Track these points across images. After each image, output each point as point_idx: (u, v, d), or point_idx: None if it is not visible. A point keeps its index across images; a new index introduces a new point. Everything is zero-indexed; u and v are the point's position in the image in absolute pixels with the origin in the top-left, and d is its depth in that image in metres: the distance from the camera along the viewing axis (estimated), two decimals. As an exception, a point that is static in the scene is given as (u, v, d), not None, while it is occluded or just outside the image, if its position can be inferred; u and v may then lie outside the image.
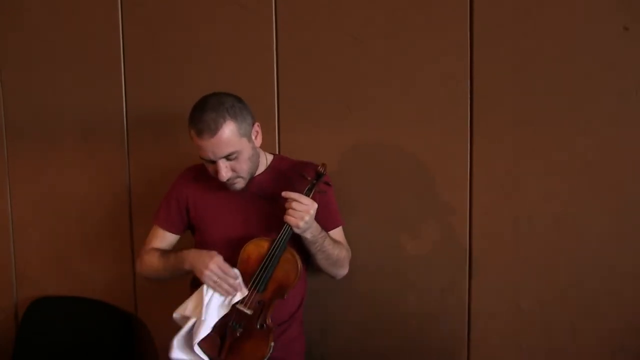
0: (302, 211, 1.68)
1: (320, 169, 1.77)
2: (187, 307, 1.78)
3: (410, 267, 2.09)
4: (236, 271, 1.74)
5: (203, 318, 1.73)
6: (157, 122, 2.30)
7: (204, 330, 1.73)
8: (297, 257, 1.76)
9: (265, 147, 2.17)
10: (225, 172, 1.72)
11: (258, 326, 1.75)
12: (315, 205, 1.71)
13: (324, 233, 1.80)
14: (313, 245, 1.78)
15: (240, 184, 1.78)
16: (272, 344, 1.75)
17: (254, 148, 1.78)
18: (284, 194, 1.70)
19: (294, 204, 1.68)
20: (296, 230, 1.71)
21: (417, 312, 2.10)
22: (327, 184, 1.80)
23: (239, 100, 1.77)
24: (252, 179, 1.83)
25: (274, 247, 1.73)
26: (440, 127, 2.01)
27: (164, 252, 1.89)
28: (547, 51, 1.88)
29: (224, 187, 1.81)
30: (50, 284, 2.53)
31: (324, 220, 1.83)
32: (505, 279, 2.00)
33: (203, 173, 1.85)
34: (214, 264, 1.72)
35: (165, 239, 1.94)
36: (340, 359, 2.19)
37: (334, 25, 2.08)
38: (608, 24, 1.82)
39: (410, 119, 2.03)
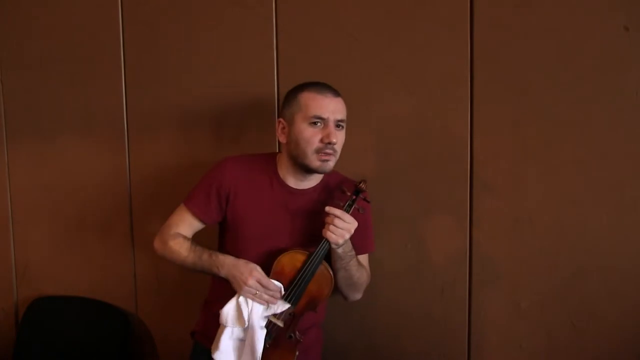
0: (344, 229, 1.67)
1: (362, 186, 1.74)
2: (227, 319, 1.74)
3: (410, 267, 2.09)
4: (278, 284, 1.73)
5: (246, 325, 1.72)
6: (157, 122, 2.30)
7: (258, 342, 1.71)
8: (331, 271, 1.76)
9: (265, 147, 2.18)
10: (335, 134, 1.71)
11: (287, 337, 1.76)
12: (356, 224, 1.70)
13: (353, 252, 1.78)
14: (340, 261, 1.76)
15: (332, 162, 1.74)
16: (297, 353, 1.77)
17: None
18: (327, 209, 1.68)
19: (337, 221, 1.67)
20: (334, 247, 1.70)
21: (417, 312, 2.10)
22: (366, 200, 1.77)
23: None
24: (302, 191, 1.81)
25: (310, 262, 1.71)
26: (440, 127, 2.01)
27: (194, 245, 1.82)
28: (547, 51, 1.88)
29: (273, 187, 1.80)
30: (50, 284, 2.52)
31: (359, 241, 1.81)
32: (505, 279, 2.00)
33: (248, 166, 1.83)
34: (253, 280, 1.70)
35: (193, 226, 1.86)
36: (340, 359, 2.19)
37: (334, 25, 2.08)
38: (608, 24, 1.82)
39: (410, 118, 2.03)
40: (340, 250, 1.72)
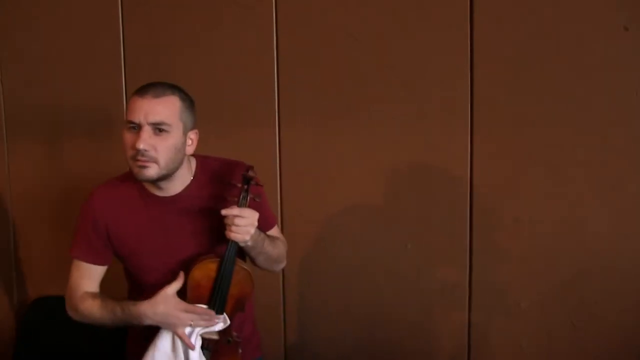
0: (247, 225, 1.56)
1: (250, 174, 1.62)
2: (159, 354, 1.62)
3: (410, 267, 2.09)
4: (203, 306, 1.62)
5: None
6: (157, 122, 2.30)
7: None
8: (247, 267, 1.67)
9: (265, 147, 2.18)
10: (146, 139, 1.54)
11: (226, 342, 1.68)
12: (257, 215, 1.58)
13: (262, 235, 1.68)
14: (254, 250, 1.66)
15: (152, 170, 1.57)
16: (240, 351, 1.70)
17: (183, 146, 1.62)
18: (223, 212, 1.55)
19: (237, 220, 1.55)
20: (242, 245, 1.60)
21: (417, 312, 2.10)
22: (258, 184, 1.64)
23: (194, 103, 1.69)
24: (178, 195, 1.67)
25: (224, 268, 1.61)
26: (440, 127, 2.01)
27: (104, 302, 1.67)
28: (547, 51, 1.88)
29: (146, 205, 1.67)
30: (50, 284, 2.52)
31: (261, 222, 1.67)
32: (505, 279, 2.00)
33: (117, 191, 1.70)
34: (182, 314, 1.59)
35: (94, 274, 1.71)
36: (340, 359, 2.19)
37: (334, 25, 2.08)
38: (608, 24, 1.82)
39: (410, 119, 2.03)
40: (250, 243, 1.62)
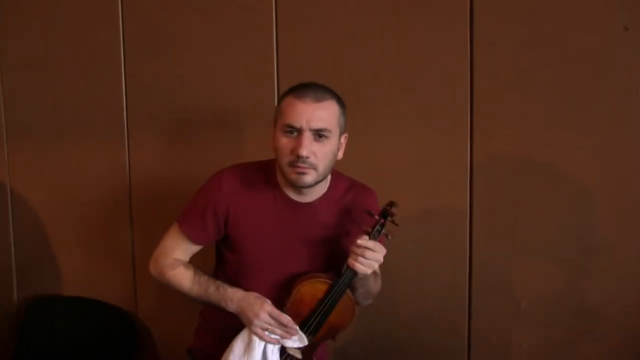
0: (373, 259, 1.52)
1: (392, 210, 1.57)
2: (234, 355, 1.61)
3: (410, 267, 2.09)
4: (289, 319, 1.59)
5: None
6: (157, 122, 2.30)
7: None
8: (354, 299, 1.65)
9: (265, 146, 2.16)
10: (308, 146, 1.50)
11: None
12: (384, 252, 1.54)
13: (374, 274, 1.66)
14: (361, 281, 1.62)
15: (310, 177, 1.55)
16: None
17: (337, 150, 1.61)
18: (359, 241, 1.51)
19: (367, 252, 1.51)
20: (360, 276, 1.56)
21: (417, 312, 2.10)
22: (394, 223, 1.58)
23: (345, 106, 1.65)
24: (311, 204, 1.65)
25: (333, 292, 1.58)
26: (440, 127, 2.01)
27: (198, 276, 1.67)
28: (547, 51, 1.88)
29: (277, 203, 1.63)
30: (50, 284, 2.52)
31: None
32: (505, 279, 2.00)
33: (248, 180, 1.65)
34: (264, 313, 1.57)
35: (190, 250, 1.71)
36: (340, 359, 2.19)
37: (334, 25, 2.08)
38: (608, 24, 1.82)
39: (410, 119, 2.03)
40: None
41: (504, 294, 2.01)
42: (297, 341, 1.60)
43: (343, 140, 1.64)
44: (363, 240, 1.52)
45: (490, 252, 2.01)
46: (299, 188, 1.59)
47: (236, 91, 2.20)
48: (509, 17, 1.91)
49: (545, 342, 1.99)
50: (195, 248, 1.71)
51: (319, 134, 1.54)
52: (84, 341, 2.41)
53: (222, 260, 1.76)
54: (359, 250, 1.52)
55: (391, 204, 1.59)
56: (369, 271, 1.53)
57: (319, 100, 1.54)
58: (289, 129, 1.54)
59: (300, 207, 1.65)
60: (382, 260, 1.53)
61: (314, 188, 1.62)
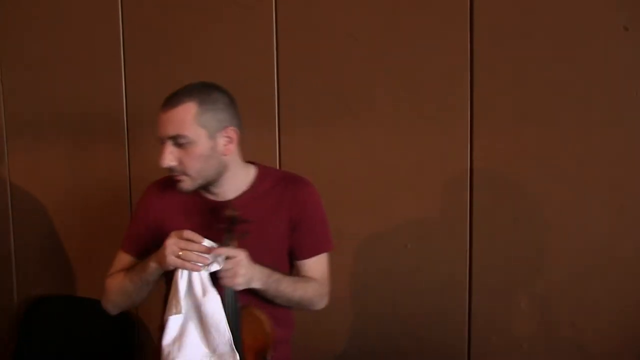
0: (232, 268, 1.44)
1: (230, 213, 1.49)
2: (170, 308, 1.50)
3: (410, 267, 2.09)
4: (205, 240, 1.46)
5: (183, 311, 1.48)
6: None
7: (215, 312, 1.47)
8: (259, 312, 1.53)
9: (265, 147, 2.17)
10: (167, 156, 1.49)
11: None
12: (242, 254, 1.45)
13: (277, 276, 1.55)
14: (266, 292, 1.54)
15: (186, 184, 1.53)
16: None
17: (213, 151, 1.52)
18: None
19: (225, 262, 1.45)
20: (238, 288, 1.47)
21: (417, 312, 2.10)
22: (244, 220, 1.49)
23: (229, 99, 1.58)
24: (230, 202, 1.59)
25: (227, 314, 1.47)
26: (440, 127, 2.01)
27: (126, 270, 1.63)
28: (547, 51, 1.88)
29: (198, 206, 1.61)
30: (50, 284, 2.53)
31: (306, 241, 1.63)
32: (505, 279, 2.00)
33: (170, 188, 1.62)
34: (170, 240, 1.46)
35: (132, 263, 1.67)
36: (340, 358, 2.19)
37: (334, 25, 2.08)
38: (608, 24, 1.82)
39: (410, 118, 2.03)
40: (257, 285, 1.50)
41: (504, 294, 2.01)
42: (215, 264, 1.47)
43: (230, 134, 1.55)
44: (215, 251, 1.44)
45: (490, 252, 2.01)
46: (183, 193, 1.56)
47: (236, 91, 2.20)
48: (509, 17, 1.91)
49: (545, 342, 1.99)
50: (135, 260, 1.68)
51: (176, 143, 1.50)
52: (84, 341, 2.41)
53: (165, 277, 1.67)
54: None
55: (228, 207, 1.51)
56: (238, 280, 1.44)
57: (173, 106, 1.50)
58: (160, 141, 1.52)
59: (220, 206, 1.59)
60: (244, 262, 1.45)
61: (221, 186, 1.59)
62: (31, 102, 2.47)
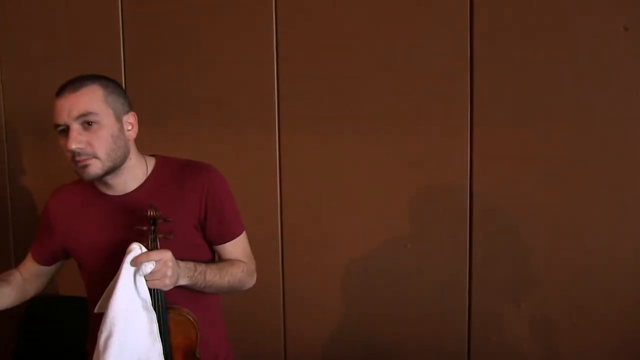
0: (159, 270, 1.40)
1: (151, 213, 1.44)
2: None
3: (410, 267, 2.09)
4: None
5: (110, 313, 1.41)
6: (157, 121, 2.30)
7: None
8: (185, 311, 1.50)
9: (265, 148, 2.17)
10: (75, 137, 1.44)
11: None
12: (168, 254, 1.41)
13: (200, 267, 1.52)
14: (195, 286, 1.52)
15: (94, 167, 1.47)
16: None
17: (121, 132, 1.51)
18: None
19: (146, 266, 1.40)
20: (166, 289, 1.43)
21: (417, 312, 2.10)
22: (166, 220, 1.46)
23: (120, 86, 1.60)
24: (129, 194, 1.56)
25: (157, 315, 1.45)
26: (440, 127, 2.01)
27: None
28: (547, 51, 1.88)
29: (96, 204, 1.57)
30: (50, 284, 2.52)
31: (216, 230, 1.59)
32: (505, 279, 2.00)
33: (72, 187, 1.64)
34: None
35: (34, 270, 1.71)
36: (340, 359, 2.19)
37: (334, 26, 2.08)
38: (608, 24, 1.82)
39: (410, 118, 2.03)
40: (184, 282, 1.48)
41: (504, 294, 2.01)
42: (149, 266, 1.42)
43: (132, 119, 1.57)
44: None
45: (490, 253, 2.01)
46: (91, 181, 1.53)
47: (236, 91, 2.20)
48: (509, 17, 1.91)
49: (545, 342, 1.99)
50: (38, 268, 1.72)
51: (86, 122, 1.47)
52: (84, 341, 2.41)
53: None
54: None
55: (148, 208, 1.45)
56: (166, 281, 1.41)
57: (76, 89, 1.49)
58: (59, 129, 1.49)
59: (115, 200, 1.57)
60: (170, 262, 1.41)
61: (121, 176, 1.55)
62: (31, 102, 2.47)
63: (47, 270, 1.74)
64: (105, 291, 1.46)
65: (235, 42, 2.19)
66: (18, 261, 2.58)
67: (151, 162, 1.62)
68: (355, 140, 2.09)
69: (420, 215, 2.06)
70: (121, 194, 1.58)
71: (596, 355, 1.94)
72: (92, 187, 1.60)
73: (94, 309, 1.55)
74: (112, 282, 1.44)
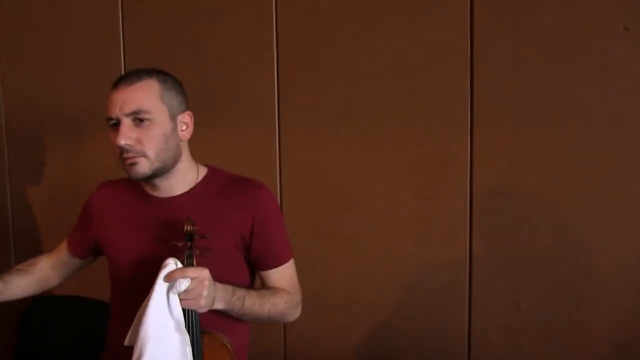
0: (195, 288, 1.30)
1: (189, 228, 1.36)
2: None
3: (410, 267, 2.09)
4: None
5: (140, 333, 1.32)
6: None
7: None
8: (221, 337, 1.41)
9: (265, 147, 2.17)
10: (125, 133, 1.38)
11: None
12: (206, 272, 1.31)
13: (240, 292, 1.42)
14: (232, 312, 1.42)
15: (142, 165, 1.40)
16: None
17: (174, 132, 1.44)
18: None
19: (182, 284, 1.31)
20: (201, 311, 1.34)
21: (417, 312, 2.10)
22: (204, 236, 1.37)
23: (179, 83, 1.51)
24: (174, 198, 1.48)
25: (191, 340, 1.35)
26: (440, 127, 2.01)
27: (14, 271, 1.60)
28: (547, 51, 1.88)
29: (139, 203, 1.50)
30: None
31: (263, 256, 1.50)
32: (505, 279, 2.00)
33: (117, 190, 1.57)
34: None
35: (62, 259, 1.66)
36: (340, 359, 2.19)
37: (334, 25, 2.08)
38: (608, 24, 1.82)
39: (411, 118, 2.03)
40: (220, 306, 1.38)
41: (504, 294, 2.01)
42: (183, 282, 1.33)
43: (187, 119, 1.48)
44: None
45: (490, 252, 2.01)
46: (140, 180, 1.45)
47: (236, 91, 2.20)
48: (509, 17, 1.91)
49: (545, 342, 1.99)
50: (67, 256, 1.66)
51: (138, 118, 1.39)
52: (84, 341, 2.40)
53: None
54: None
55: (186, 222, 1.37)
56: (201, 302, 1.31)
57: (132, 82, 1.40)
58: (111, 123, 1.43)
59: (159, 202, 1.49)
60: (206, 281, 1.31)
61: (171, 179, 1.47)
62: (31, 102, 2.47)
63: (77, 262, 1.68)
64: (136, 315, 1.35)
65: (235, 42, 2.19)
66: (18, 262, 2.59)
67: (203, 171, 1.54)
68: (355, 140, 2.09)
69: (420, 215, 2.06)
70: (165, 196, 1.49)
71: (596, 355, 1.95)
72: (138, 187, 1.51)
73: (116, 312, 1.52)
74: (144, 303, 1.34)
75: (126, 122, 1.39)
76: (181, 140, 1.47)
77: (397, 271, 2.10)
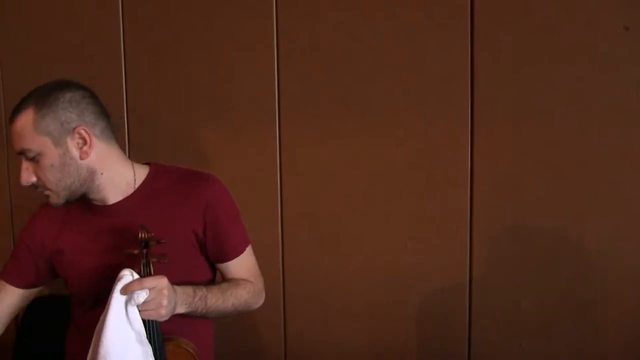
0: (154, 299, 1.27)
1: (143, 235, 1.31)
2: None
3: (410, 267, 2.08)
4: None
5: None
6: (157, 122, 2.30)
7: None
8: (184, 342, 1.39)
9: (265, 146, 2.17)
10: (24, 173, 1.37)
11: None
12: (164, 281, 1.28)
13: (200, 292, 1.39)
14: (195, 312, 1.39)
15: (52, 198, 1.38)
16: None
17: (66, 156, 1.36)
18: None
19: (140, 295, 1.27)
20: (163, 320, 1.30)
21: (417, 312, 2.10)
22: (160, 242, 1.33)
23: (77, 94, 1.45)
24: (117, 205, 1.43)
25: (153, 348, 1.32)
26: (440, 127, 2.01)
27: None
28: (547, 51, 1.88)
29: (85, 215, 1.46)
30: (50, 284, 2.52)
31: (217, 248, 1.47)
32: (505, 279, 2.00)
33: (62, 207, 1.47)
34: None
35: (12, 295, 1.54)
36: (340, 359, 2.19)
37: (334, 25, 2.08)
38: (608, 24, 1.82)
39: (411, 118, 2.03)
40: (182, 310, 1.35)
41: (504, 294, 2.01)
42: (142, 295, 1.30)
43: (81, 135, 1.38)
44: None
45: (490, 252, 2.01)
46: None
47: (236, 91, 2.20)
48: (509, 17, 1.91)
49: (545, 342, 1.99)
50: (15, 293, 1.55)
51: (27, 157, 1.37)
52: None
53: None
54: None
55: (140, 230, 1.32)
56: (162, 312, 1.28)
57: (14, 119, 1.37)
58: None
59: (103, 210, 1.44)
60: (165, 290, 1.28)
61: (99, 192, 1.42)
62: (31, 102, 2.46)
63: (27, 294, 1.57)
64: (95, 333, 1.31)
65: (235, 40, 2.19)
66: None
67: (143, 171, 1.48)
68: (355, 139, 2.09)
69: (420, 215, 2.06)
70: (106, 204, 1.45)
71: (596, 355, 1.94)
72: (82, 198, 1.45)
73: (78, 323, 1.47)
74: (100, 318, 1.30)
75: (23, 162, 1.38)
76: (82, 159, 1.38)
77: (397, 270, 2.10)
